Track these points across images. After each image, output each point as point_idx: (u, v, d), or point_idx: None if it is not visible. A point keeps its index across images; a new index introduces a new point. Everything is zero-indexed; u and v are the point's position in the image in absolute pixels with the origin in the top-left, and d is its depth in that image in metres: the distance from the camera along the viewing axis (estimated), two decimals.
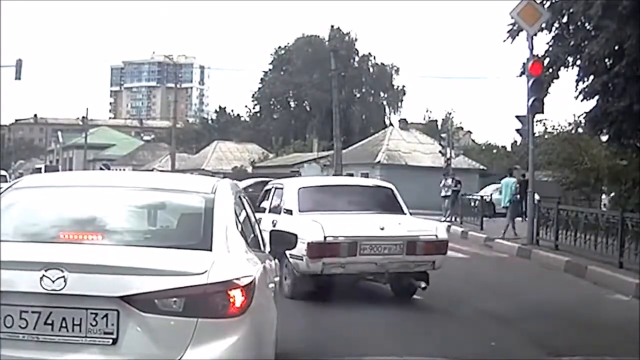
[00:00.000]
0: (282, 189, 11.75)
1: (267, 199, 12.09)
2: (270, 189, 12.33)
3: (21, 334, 3.88)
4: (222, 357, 3.97)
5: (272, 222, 10.49)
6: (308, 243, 9.84)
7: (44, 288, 3.87)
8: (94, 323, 3.91)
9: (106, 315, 3.91)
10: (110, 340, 3.90)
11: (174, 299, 3.93)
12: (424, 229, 10.72)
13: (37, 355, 3.87)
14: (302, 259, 9.93)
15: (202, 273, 4.01)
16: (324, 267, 10.06)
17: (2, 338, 3.86)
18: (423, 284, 10.76)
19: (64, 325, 3.89)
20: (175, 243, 4.44)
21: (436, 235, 10.64)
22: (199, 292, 3.95)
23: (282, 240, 5.92)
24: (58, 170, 62.35)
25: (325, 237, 9.95)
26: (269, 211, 11.45)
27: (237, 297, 4.06)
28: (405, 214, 11.20)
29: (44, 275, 3.88)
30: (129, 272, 3.97)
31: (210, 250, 4.32)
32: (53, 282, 3.88)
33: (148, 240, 4.52)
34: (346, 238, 10.08)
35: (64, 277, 3.89)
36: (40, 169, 60.81)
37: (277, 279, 5.89)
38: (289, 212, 11.00)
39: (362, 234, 10.26)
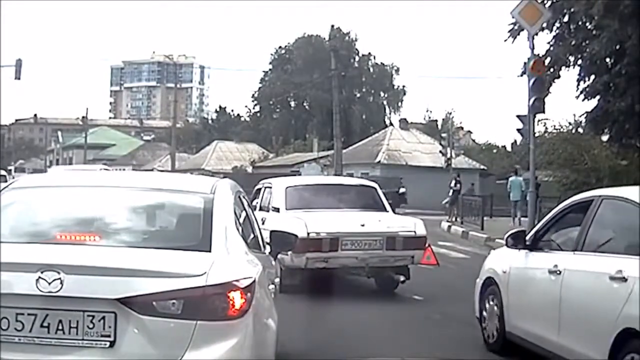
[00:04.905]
0: (271, 187, 12.29)
1: (258, 198, 12.58)
2: (260, 188, 12.87)
3: (17, 337, 3.83)
4: None
5: (262, 219, 10.66)
6: None
7: (40, 290, 3.82)
8: (91, 325, 3.86)
9: (103, 318, 3.86)
10: (108, 343, 3.85)
11: (173, 301, 3.88)
12: (402, 226, 11.23)
13: (33, 358, 3.81)
14: (287, 254, 10.10)
15: (201, 275, 3.96)
16: (307, 261, 10.55)
17: None
18: (402, 278, 11.30)
19: (60, 327, 3.85)
20: (173, 244, 4.38)
21: (414, 232, 11.13)
22: (197, 294, 3.90)
23: (282, 241, 5.85)
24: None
25: (308, 233, 10.42)
26: (259, 209, 11.71)
27: (237, 299, 4.01)
28: (387, 211, 11.76)
29: (40, 277, 3.83)
30: (126, 273, 3.92)
31: (210, 251, 4.26)
32: (49, 284, 3.83)
33: (146, 241, 4.45)
34: (328, 234, 10.65)
35: (60, 279, 3.84)
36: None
37: (277, 279, 5.83)
38: (277, 209, 11.57)
39: (344, 230, 10.82)
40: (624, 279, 5.48)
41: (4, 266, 3.88)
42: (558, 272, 6.45)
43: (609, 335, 5.46)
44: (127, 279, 3.89)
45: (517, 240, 7.37)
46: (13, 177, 41.83)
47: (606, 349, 5.49)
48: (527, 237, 7.36)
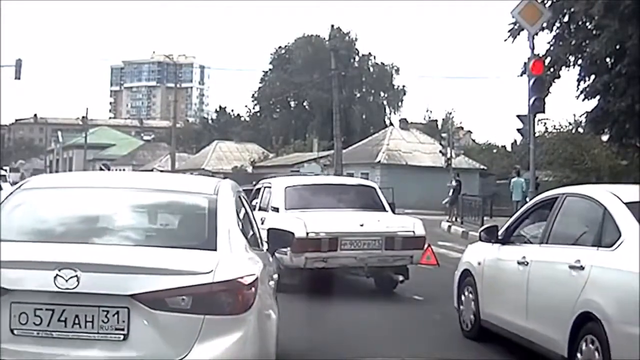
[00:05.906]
0: (270, 187, 12.32)
1: (257, 198, 12.61)
2: (260, 188, 12.92)
3: (36, 331, 4.05)
4: (227, 352, 4.14)
5: (261, 219, 10.69)
6: None
7: (57, 287, 4.03)
8: (105, 320, 4.07)
9: (117, 313, 4.07)
10: (121, 336, 4.07)
11: (182, 297, 4.10)
12: (401, 226, 11.26)
13: (51, 351, 4.03)
14: (286, 254, 10.29)
15: (209, 272, 4.18)
16: (306, 261, 10.61)
17: (18, 335, 4.02)
18: (401, 278, 11.33)
19: (76, 322, 4.06)
20: (181, 243, 4.60)
21: (413, 232, 11.18)
22: (205, 290, 4.13)
23: (280, 238, 6.07)
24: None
25: (307, 233, 10.47)
26: (258, 209, 11.77)
27: (242, 295, 4.24)
28: (386, 211, 11.76)
29: (57, 275, 4.03)
30: (139, 271, 4.14)
31: (215, 250, 4.47)
32: (66, 281, 4.04)
33: (156, 241, 4.68)
34: (327, 234, 10.69)
35: (77, 276, 4.05)
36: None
37: (276, 276, 5.99)
38: (276, 209, 11.60)
39: (343, 230, 10.86)
40: (582, 268, 6.01)
41: (24, 264, 4.11)
42: (526, 263, 7.04)
43: (569, 319, 5.98)
44: (140, 276, 4.11)
45: (490, 235, 7.98)
46: (8, 177, 41.87)
47: (567, 331, 6.01)
48: (500, 232, 7.91)
